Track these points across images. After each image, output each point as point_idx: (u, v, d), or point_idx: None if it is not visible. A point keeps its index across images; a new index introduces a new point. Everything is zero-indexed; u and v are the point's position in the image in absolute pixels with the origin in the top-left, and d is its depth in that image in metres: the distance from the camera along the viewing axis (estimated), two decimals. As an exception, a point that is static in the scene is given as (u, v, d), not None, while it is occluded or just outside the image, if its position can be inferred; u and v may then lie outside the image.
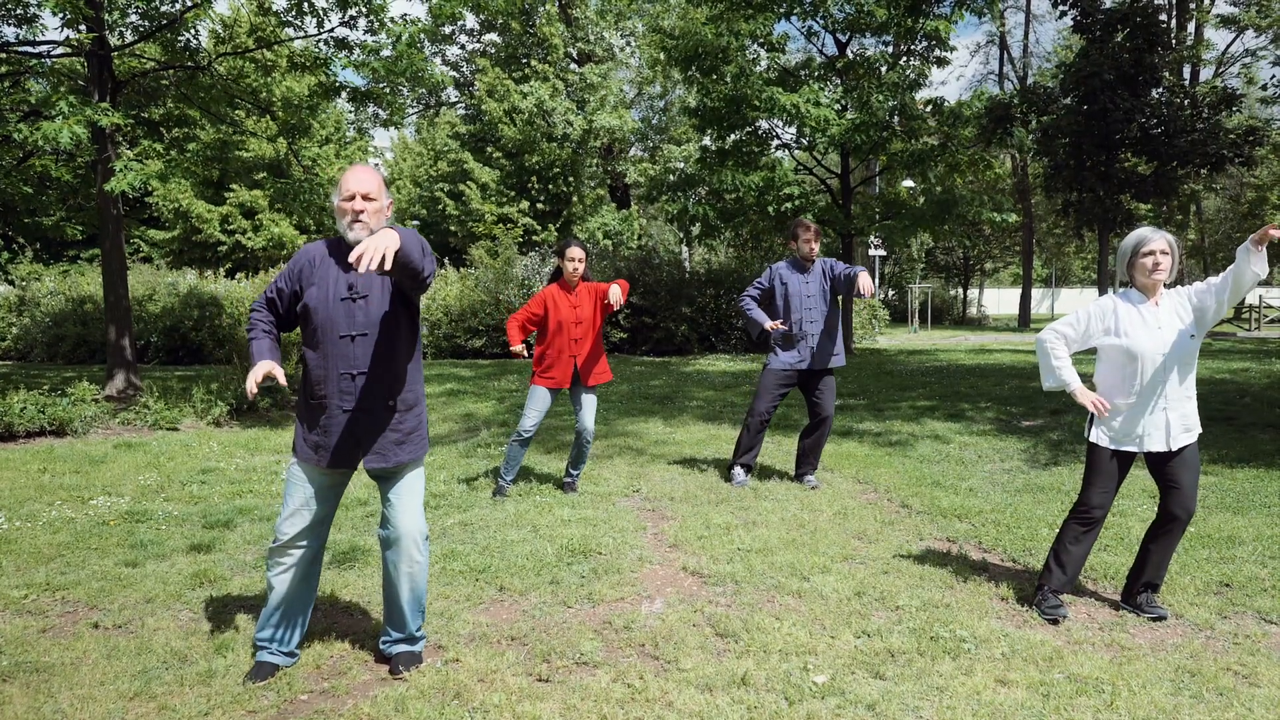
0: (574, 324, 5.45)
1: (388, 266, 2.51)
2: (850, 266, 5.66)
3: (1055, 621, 3.50)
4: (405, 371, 3.05)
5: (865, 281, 5.33)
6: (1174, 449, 3.46)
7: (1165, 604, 3.67)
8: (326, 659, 3.19)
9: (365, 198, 2.93)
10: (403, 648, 3.13)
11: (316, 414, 2.99)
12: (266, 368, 2.92)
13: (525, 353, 5.43)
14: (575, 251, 5.39)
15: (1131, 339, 3.42)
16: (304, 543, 3.05)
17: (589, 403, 5.58)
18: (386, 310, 2.98)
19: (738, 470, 5.99)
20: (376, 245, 2.48)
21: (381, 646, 3.17)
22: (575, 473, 5.78)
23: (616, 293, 5.21)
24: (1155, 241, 3.40)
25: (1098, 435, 3.55)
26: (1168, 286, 3.56)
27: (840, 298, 5.89)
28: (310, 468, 3.02)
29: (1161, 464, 3.52)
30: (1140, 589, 3.60)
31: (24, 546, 4.53)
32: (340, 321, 2.95)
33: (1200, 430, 3.54)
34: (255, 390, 2.87)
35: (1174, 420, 3.45)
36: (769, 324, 5.72)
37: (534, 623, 3.53)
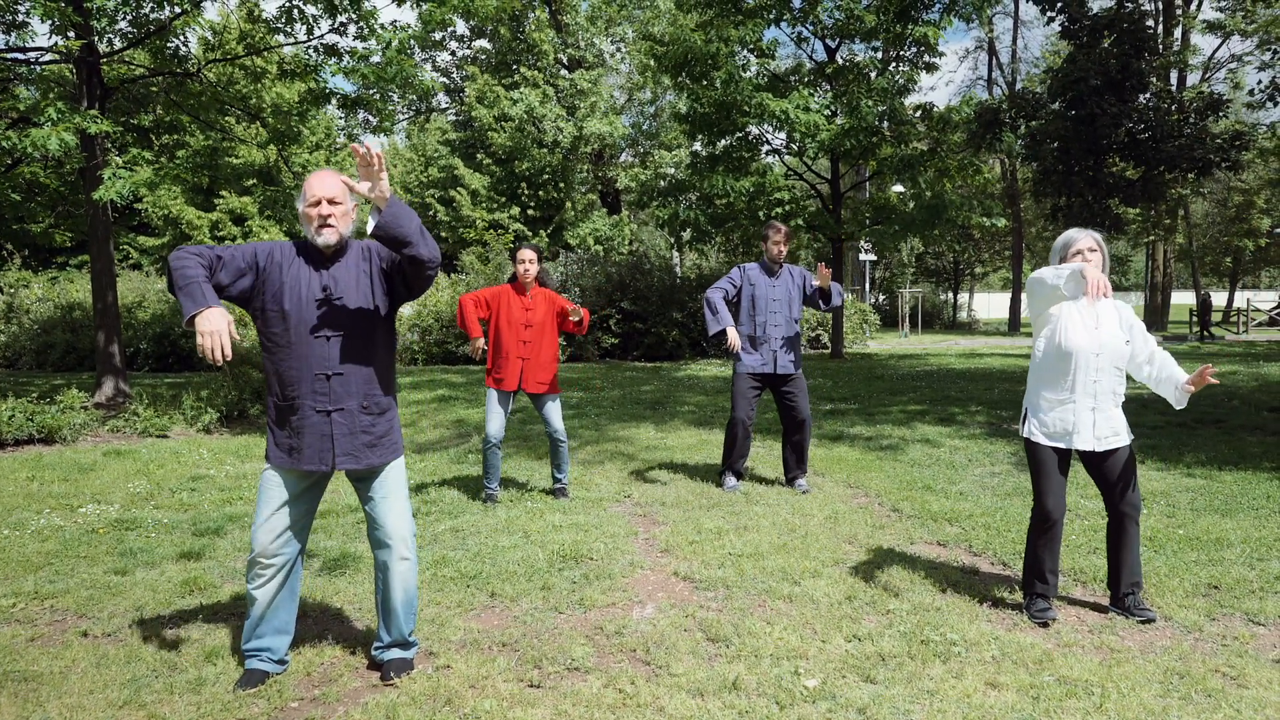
0: (523, 326, 5.46)
1: (381, 174, 2.68)
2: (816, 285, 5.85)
3: (1044, 624, 3.52)
4: (380, 373, 3.03)
5: (822, 273, 5.61)
6: (1101, 450, 3.53)
7: (1154, 606, 3.70)
8: (317, 666, 3.19)
9: (331, 202, 2.93)
10: (395, 653, 3.12)
11: (287, 415, 2.96)
12: (226, 317, 2.64)
13: (479, 353, 5.54)
14: (524, 254, 5.43)
15: (1067, 335, 3.50)
16: (282, 550, 3.02)
17: (550, 407, 5.60)
18: (362, 310, 2.97)
19: (728, 476, 5.99)
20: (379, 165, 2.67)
21: (374, 653, 3.16)
22: (560, 476, 5.77)
23: (579, 312, 5.40)
24: (1083, 240, 3.52)
25: (1030, 430, 3.61)
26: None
27: (824, 307, 5.93)
28: (285, 471, 3.00)
29: (1097, 465, 3.58)
30: (1126, 591, 3.62)
31: (12, 555, 4.50)
32: (315, 321, 2.93)
33: (1132, 437, 3.60)
34: (227, 354, 2.63)
35: (1100, 421, 3.51)
36: (730, 337, 5.66)
37: (525, 629, 3.53)
